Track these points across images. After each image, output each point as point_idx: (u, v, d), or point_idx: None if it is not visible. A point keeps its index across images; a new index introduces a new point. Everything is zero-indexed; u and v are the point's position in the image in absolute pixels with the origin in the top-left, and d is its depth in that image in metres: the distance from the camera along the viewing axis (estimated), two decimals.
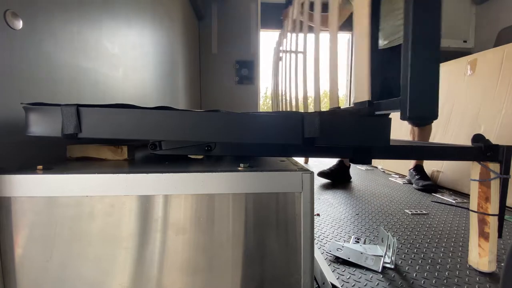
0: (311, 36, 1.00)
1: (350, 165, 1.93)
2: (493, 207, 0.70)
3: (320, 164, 2.55)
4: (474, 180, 0.72)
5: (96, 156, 0.63)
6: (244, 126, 0.49)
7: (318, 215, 1.21)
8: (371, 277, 0.72)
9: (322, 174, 1.88)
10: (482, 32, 2.86)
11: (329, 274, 0.70)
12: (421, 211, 1.24)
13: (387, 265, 0.77)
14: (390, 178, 2.00)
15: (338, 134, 0.51)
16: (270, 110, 2.97)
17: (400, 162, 2.12)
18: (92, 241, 0.47)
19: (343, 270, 0.75)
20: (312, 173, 0.50)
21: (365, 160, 0.60)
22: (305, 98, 1.19)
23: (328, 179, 1.87)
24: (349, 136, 0.51)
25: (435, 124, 1.96)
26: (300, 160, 2.49)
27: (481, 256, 0.73)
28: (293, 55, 1.44)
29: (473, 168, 0.73)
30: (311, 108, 1.06)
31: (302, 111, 1.11)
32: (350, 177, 1.92)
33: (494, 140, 0.70)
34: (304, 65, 1.11)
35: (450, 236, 0.98)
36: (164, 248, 0.48)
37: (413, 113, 0.47)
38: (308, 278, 0.50)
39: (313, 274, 0.51)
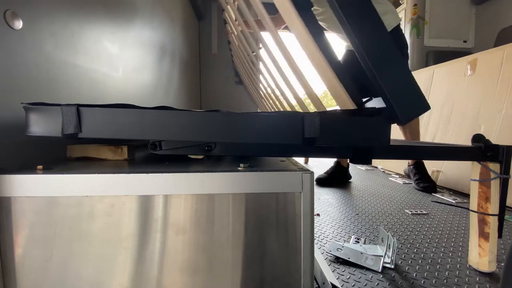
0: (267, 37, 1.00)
1: (349, 164, 1.92)
2: (493, 207, 0.70)
3: (320, 164, 2.55)
4: (474, 180, 0.72)
5: (96, 156, 0.63)
6: (244, 126, 0.49)
7: (318, 215, 1.21)
8: (371, 277, 0.72)
9: (319, 180, 1.79)
10: (482, 32, 2.86)
11: (329, 274, 0.70)
12: (421, 211, 1.24)
13: (387, 265, 0.77)
14: (390, 178, 2.00)
15: (338, 134, 0.51)
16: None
17: (400, 162, 2.12)
18: (92, 241, 0.47)
19: (343, 270, 0.75)
20: (312, 173, 0.50)
21: (365, 160, 0.60)
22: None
23: (326, 186, 1.76)
24: (349, 136, 0.51)
25: (435, 124, 1.96)
26: (300, 160, 2.49)
27: (481, 256, 0.73)
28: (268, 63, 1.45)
29: (473, 168, 0.73)
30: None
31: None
32: (350, 177, 1.92)
33: (494, 140, 0.70)
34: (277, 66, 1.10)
35: (450, 236, 0.98)
36: (164, 248, 0.48)
37: (405, 117, 0.48)
38: (308, 278, 0.50)
39: (313, 274, 0.51)
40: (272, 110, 2.09)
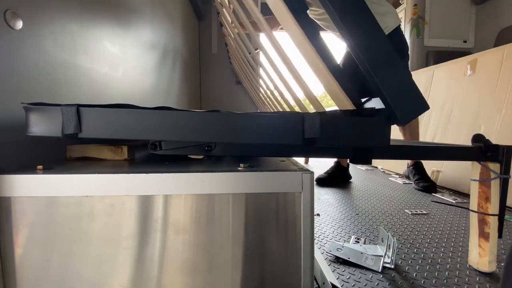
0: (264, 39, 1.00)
1: (349, 164, 1.92)
2: (493, 207, 0.70)
3: (320, 164, 2.55)
4: (474, 180, 0.72)
5: (96, 156, 0.63)
6: (244, 126, 0.49)
7: (318, 215, 1.21)
8: (371, 277, 0.72)
9: (319, 180, 1.80)
10: (482, 32, 2.86)
11: (329, 274, 0.70)
12: (421, 211, 1.24)
13: (387, 265, 0.77)
14: (390, 178, 2.00)
15: (339, 135, 0.51)
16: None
17: (400, 162, 2.12)
18: (92, 241, 0.47)
19: (343, 270, 0.75)
20: (312, 173, 0.50)
21: (365, 160, 0.60)
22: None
23: (326, 186, 1.77)
24: (349, 137, 0.51)
25: (435, 124, 1.96)
26: (300, 160, 2.49)
27: (481, 256, 0.73)
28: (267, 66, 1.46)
29: (473, 168, 0.73)
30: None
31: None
32: (350, 177, 1.92)
33: (494, 140, 0.70)
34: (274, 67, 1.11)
35: (450, 236, 0.98)
36: (164, 248, 0.48)
37: (405, 118, 0.48)
38: (308, 278, 0.50)
39: (313, 274, 0.51)
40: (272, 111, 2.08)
